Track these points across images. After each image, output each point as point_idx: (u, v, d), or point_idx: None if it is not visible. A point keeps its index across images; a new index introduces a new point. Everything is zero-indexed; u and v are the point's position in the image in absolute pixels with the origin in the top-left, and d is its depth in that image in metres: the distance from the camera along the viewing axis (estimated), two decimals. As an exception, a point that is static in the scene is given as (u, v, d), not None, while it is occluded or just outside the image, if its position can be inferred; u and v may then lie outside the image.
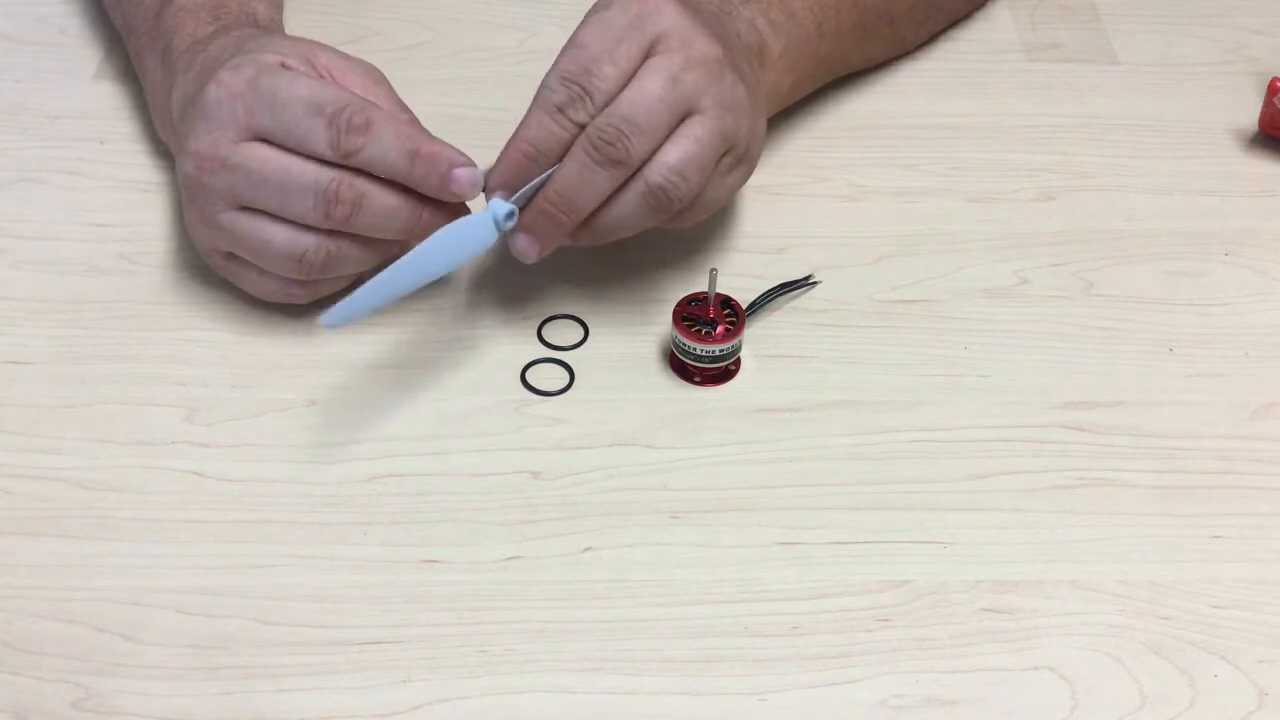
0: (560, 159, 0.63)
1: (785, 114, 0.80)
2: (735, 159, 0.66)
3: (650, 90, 0.62)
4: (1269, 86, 0.80)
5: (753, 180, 0.77)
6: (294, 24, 0.84)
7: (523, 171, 0.63)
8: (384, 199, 0.64)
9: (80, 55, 0.85)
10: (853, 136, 0.81)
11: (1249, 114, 0.83)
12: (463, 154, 0.64)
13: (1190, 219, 0.77)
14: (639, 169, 0.63)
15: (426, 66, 0.85)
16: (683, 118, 0.63)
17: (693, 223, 0.67)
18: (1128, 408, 0.67)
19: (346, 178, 0.63)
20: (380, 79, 0.67)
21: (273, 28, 0.75)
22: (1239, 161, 0.81)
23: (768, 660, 0.57)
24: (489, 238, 0.63)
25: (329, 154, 0.63)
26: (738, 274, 0.71)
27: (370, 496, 0.62)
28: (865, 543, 0.62)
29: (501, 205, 0.63)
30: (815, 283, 0.72)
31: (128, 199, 0.75)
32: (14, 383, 0.66)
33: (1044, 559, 0.61)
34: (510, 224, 0.63)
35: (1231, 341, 0.71)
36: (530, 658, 0.57)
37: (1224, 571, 0.61)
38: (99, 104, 0.81)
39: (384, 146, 0.63)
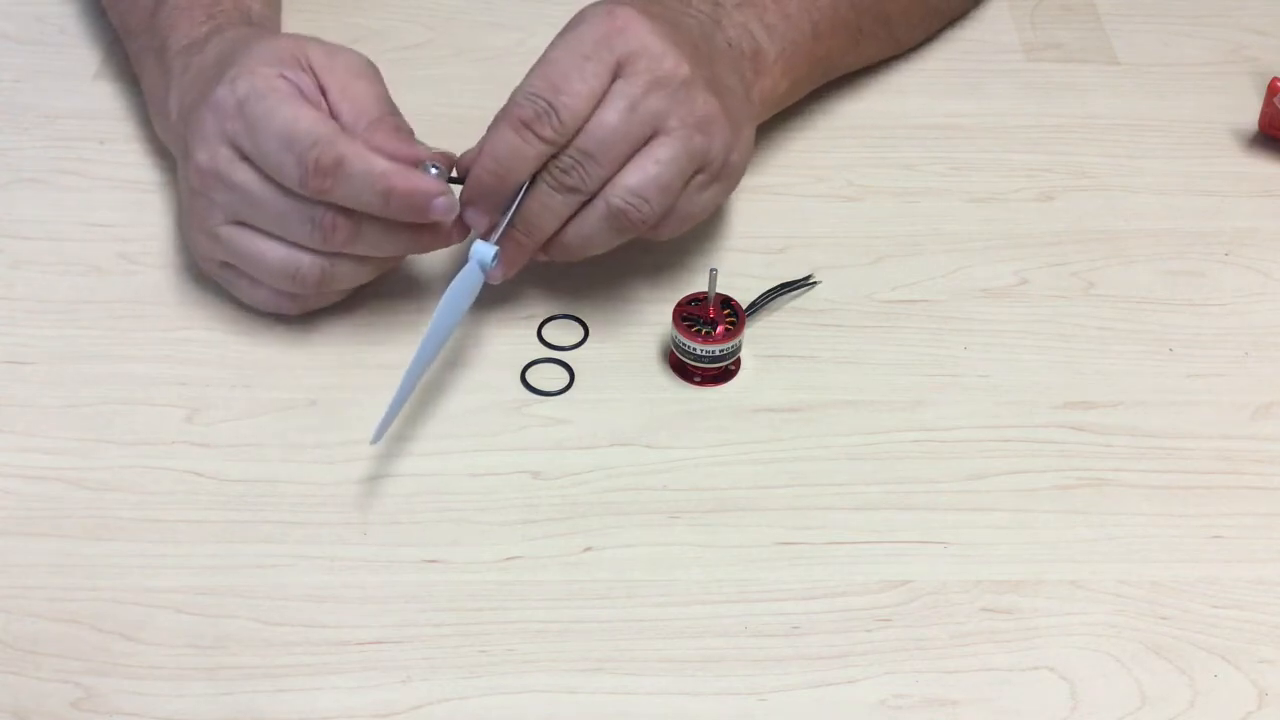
0: (524, 176, 0.63)
1: (785, 114, 0.80)
2: (710, 176, 0.66)
3: (608, 121, 0.62)
4: (1269, 86, 0.80)
5: (753, 180, 0.77)
6: (292, 24, 0.84)
7: (489, 190, 0.63)
8: (380, 223, 0.63)
9: (80, 55, 0.85)
10: (853, 136, 0.81)
11: (1249, 114, 0.83)
12: (439, 183, 0.62)
13: (1190, 219, 0.77)
14: (601, 190, 0.63)
15: (426, 66, 0.85)
16: (647, 139, 0.63)
17: (668, 236, 0.67)
18: (1127, 408, 0.67)
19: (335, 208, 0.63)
20: (363, 70, 0.66)
21: (266, 24, 0.74)
22: (1239, 161, 0.81)
23: (768, 660, 0.57)
24: (479, 281, 0.64)
25: (303, 192, 0.62)
26: (738, 274, 0.71)
27: (370, 496, 0.62)
28: (865, 543, 0.62)
29: (486, 249, 0.63)
30: (815, 283, 0.72)
31: (128, 199, 0.75)
32: (14, 383, 0.66)
33: (1044, 559, 0.61)
34: (495, 264, 0.64)
35: (1231, 341, 0.71)
36: (530, 658, 0.57)
37: (1224, 571, 0.61)
38: (99, 104, 0.81)
39: (354, 188, 0.62)
